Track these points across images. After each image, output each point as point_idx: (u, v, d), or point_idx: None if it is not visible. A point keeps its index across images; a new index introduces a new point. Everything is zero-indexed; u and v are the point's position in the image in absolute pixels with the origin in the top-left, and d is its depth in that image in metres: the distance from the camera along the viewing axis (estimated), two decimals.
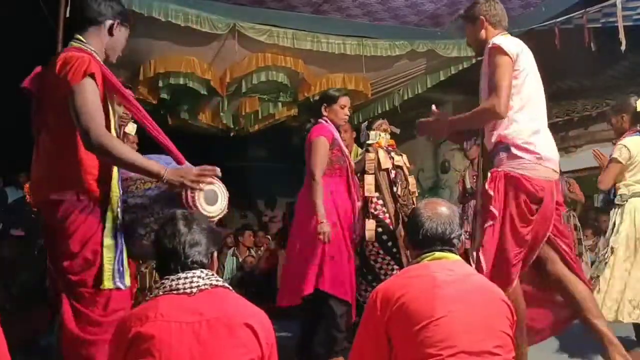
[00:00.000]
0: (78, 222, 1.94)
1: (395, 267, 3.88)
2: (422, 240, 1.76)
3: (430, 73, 6.35)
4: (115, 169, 2.04)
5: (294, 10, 5.47)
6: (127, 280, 2.01)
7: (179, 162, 2.19)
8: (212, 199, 2.08)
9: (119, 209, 2.03)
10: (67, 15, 4.25)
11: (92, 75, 1.94)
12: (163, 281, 1.56)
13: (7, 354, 1.46)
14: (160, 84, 5.94)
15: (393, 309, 1.60)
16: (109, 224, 1.98)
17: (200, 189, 2.02)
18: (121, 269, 1.98)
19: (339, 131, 3.69)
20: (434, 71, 6.31)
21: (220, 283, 1.59)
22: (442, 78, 6.31)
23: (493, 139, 2.62)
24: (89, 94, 1.93)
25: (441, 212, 1.79)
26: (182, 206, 1.98)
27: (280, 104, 6.82)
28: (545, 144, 2.63)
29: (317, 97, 6.52)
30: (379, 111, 7.02)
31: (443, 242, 1.76)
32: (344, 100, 3.67)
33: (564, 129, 7.39)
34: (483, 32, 2.77)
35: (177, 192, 2.02)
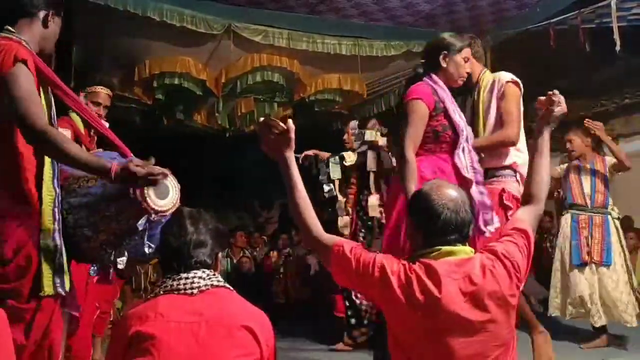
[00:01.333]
0: (13, 226, 1.79)
1: None
2: (437, 231, 1.59)
3: None
4: (48, 166, 1.88)
5: (289, 10, 5.46)
6: (67, 285, 1.88)
7: (124, 155, 2.07)
8: (163, 192, 1.95)
9: (56, 209, 1.87)
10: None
11: (25, 62, 1.80)
12: (164, 280, 1.56)
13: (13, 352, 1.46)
14: (156, 84, 5.93)
15: (390, 299, 1.53)
16: (47, 226, 1.84)
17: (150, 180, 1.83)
18: (62, 273, 1.86)
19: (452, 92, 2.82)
20: None
21: (221, 284, 1.58)
22: None
23: (504, 162, 2.94)
24: (23, 80, 1.78)
25: (455, 197, 1.62)
26: (130, 202, 1.87)
27: (275, 104, 6.82)
28: None
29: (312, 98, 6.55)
30: (375, 111, 7.01)
31: (459, 232, 1.60)
32: (468, 52, 2.85)
33: (558, 130, 7.39)
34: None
35: (124, 186, 1.87)
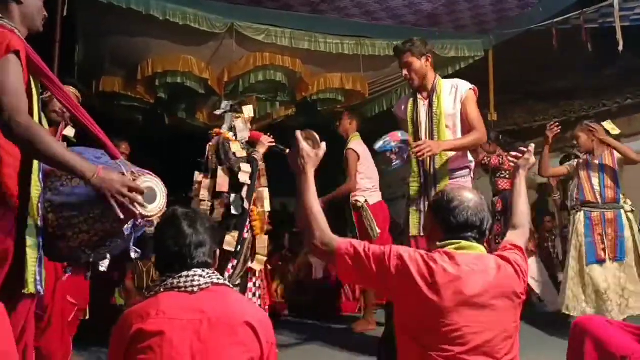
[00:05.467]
0: None
1: None
2: (459, 227, 1.74)
3: None
4: (36, 162, 1.80)
5: (291, 9, 5.47)
6: (43, 285, 1.81)
7: (113, 157, 2.00)
8: (150, 196, 1.90)
9: (39, 205, 1.80)
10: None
11: (17, 53, 1.70)
12: (163, 278, 1.56)
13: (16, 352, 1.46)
14: (158, 83, 5.93)
15: (407, 285, 1.59)
16: (31, 222, 1.76)
17: (118, 213, 1.78)
18: (41, 271, 1.78)
19: None
20: None
21: (221, 281, 1.59)
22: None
23: (463, 162, 3.24)
24: (13, 72, 1.68)
25: (475, 199, 1.79)
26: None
27: (277, 103, 6.82)
28: None
29: (314, 97, 6.56)
30: (377, 111, 7.02)
31: (478, 231, 1.75)
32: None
33: (561, 129, 7.40)
34: (426, 67, 3.27)
35: None
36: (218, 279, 1.59)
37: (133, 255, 2.02)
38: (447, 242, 1.73)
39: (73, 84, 3.32)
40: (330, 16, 5.61)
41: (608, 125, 4.40)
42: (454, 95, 3.22)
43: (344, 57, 5.84)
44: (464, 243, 1.72)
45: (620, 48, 4.69)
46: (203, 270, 1.57)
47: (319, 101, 6.75)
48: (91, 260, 2.00)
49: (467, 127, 3.21)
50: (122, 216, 1.78)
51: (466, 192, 1.83)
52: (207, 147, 4.01)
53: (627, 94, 6.81)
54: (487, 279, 1.64)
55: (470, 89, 3.23)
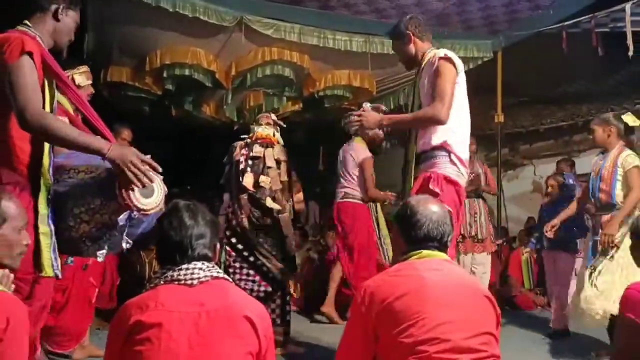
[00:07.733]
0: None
1: (244, 265, 3.80)
2: (419, 240, 1.79)
3: None
4: (46, 155, 1.94)
5: (301, 5, 5.47)
6: (60, 269, 1.95)
7: None
8: (148, 192, 1.96)
9: (50, 197, 1.94)
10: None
11: (30, 54, 1.86)
12: (163, 271, 1.57)
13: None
14: (166, 74, 5.95)
15: (381, 308, 1.63)
16: (43, 211, 1.90)
17: (136, 182, 1.86)
18: (57, 257, 1.93)
19: None
20: None
21: (220, 275, 1.60)
22: None
23: (433, 142, 2.72)
24: (26, 72, 1.84)
25: (438, 212, 1.82)
26: (115, 197, 1.89)
27: (285, 98, 6.83)
28: (467, 159, 2.81)
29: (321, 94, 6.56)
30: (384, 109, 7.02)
31: (439, 243, 1.79)
32: None
33: (568, 133, 7.38)
34: (412, 46, 2.89)
35: (111, 181, 1.90)
36: (218, 272, 1.59)
37: (124, 245, 2.09)
38: (409, 254, 1.78)
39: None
40: (340, 13, 5.61)
41: (628, 117, 3.93)
42: (429, 70, 2.77)
43: (352, 54, 5.85)
44: (424, 252, 1.76)
45: (631, 53, 4.67)
46: (203, 264, 1.58)
47: (326, 97, 6.75)
48: (90, 252, 2.06)
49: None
50: (124, 192, 1.85)
51: (430, 204, 1.85)
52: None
53: (636, 99, 6.78)
54: (452, 278, 1.70)
55: (442, 57, 2.73)
